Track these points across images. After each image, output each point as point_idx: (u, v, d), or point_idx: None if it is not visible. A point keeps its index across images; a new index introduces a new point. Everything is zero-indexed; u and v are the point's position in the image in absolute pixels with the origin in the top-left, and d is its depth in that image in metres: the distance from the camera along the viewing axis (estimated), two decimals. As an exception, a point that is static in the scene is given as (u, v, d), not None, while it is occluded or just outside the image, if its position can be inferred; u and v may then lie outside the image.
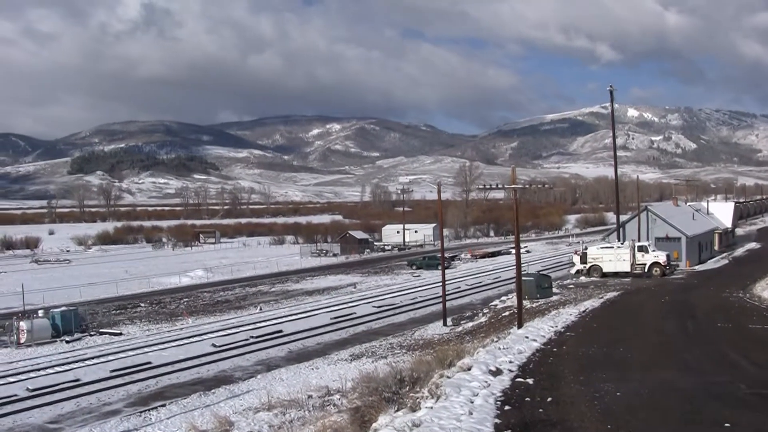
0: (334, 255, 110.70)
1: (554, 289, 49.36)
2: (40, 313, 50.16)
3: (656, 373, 19.51)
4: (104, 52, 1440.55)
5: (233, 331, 48.97)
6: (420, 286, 69.58)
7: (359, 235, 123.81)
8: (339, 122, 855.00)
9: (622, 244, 58.75)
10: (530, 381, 18.26)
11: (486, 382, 17.50)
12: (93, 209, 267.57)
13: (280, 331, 48.48)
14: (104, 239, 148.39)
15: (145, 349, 43.45)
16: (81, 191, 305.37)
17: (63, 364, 40.00)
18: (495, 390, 16.90)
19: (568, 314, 33.38)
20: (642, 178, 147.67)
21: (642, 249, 56.94)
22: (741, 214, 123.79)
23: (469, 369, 18.61)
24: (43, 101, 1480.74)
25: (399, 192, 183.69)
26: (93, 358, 41.58)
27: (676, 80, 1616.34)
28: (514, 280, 39.08)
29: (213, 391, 34.07)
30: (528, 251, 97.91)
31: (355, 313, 55.33)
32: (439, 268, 57.34)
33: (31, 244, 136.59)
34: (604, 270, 56.85)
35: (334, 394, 26.63)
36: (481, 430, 13.50)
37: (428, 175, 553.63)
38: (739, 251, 78.12)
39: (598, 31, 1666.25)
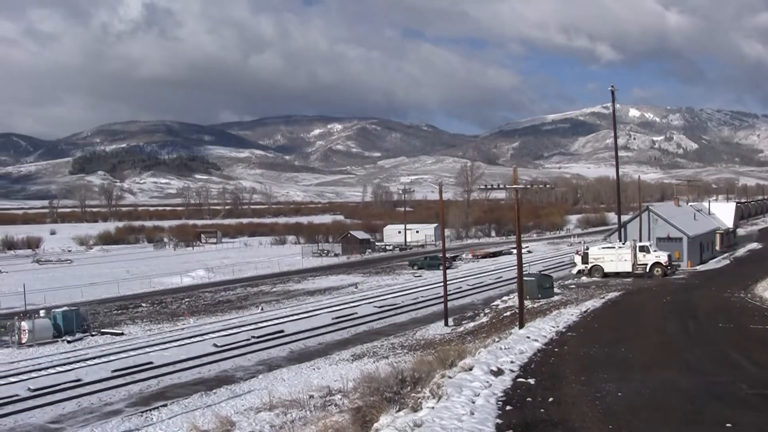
0: (336, 255, 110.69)
1: (556, 289, 49.30)
2: (42, 313, 50.17)
3: (658, 373, 19.50)
4: (105, 52, 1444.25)
5: (235, 331, 48.97)
6: (421, 286, 69.56)
7: (361, 235, 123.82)
8: (340, 122, 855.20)
9: (623, 244, 58.69)
10: (532, 381, 18.27)
11: (487, 382, 17.51)
12: (94, 209, 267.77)
13: (282, 331, 48.47)
14: (106, 239, 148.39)
15: (147, 349, 43.45)
16: (82, 191, 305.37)
17: (64, 364, 40.01)
18: (496, 390, 16.91)
19: (570, 314, 33.36)
20: (643, 179, 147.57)
21: (643, 249, 56.88)
22: (742, 215, 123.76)
23: (471, 369, 18.61)
24: (45, 101, 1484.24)
25: (400, 192, 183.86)
26: (94, 358, 41.58)
27: (677, 80, 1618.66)
28: (515, 280, 39.07)
29: (214, 391, 34.06)
30: (529, 251, 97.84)
31: (356, 313, 55.31)
32: (441, 268, 57.32)
33: (33, 244, 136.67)
34: (606, 270, 56.81)
35: (336, 394, 26.63)
36: (483, 430, 13.50)
37: (430, 176, 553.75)
38: (741, 251, 78.06)
39: (598, 31, 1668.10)
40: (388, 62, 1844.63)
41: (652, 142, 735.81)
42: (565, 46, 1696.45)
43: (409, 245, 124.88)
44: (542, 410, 15.34)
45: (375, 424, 14.61)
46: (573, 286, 52.89)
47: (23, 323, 46.88)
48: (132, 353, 42.36)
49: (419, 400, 15.82)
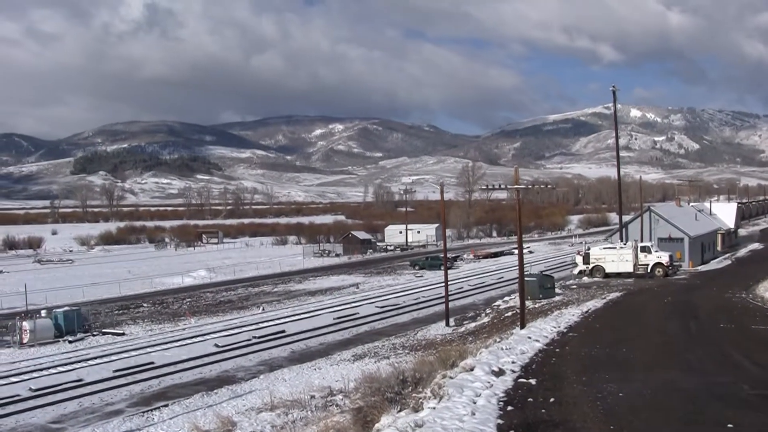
0: (337, 255, 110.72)
1: (557, 290, 49.26)
2: (43, 313, 50.18)
3: (659, 373, 19.48)
4: (107, 53, 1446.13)
5: (236, 331, 49.00)
6: (423, 287, 69.56)
7: (362, 235, 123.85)
8: (342, 122, 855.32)
9: (624, 244, 58.61)
10: (533, 381, 18.25)
11: (489, 382, 17.50)
12: (96, 209, 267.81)
13: (283, 332, 48.49)
14: (107, 239, 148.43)
15: (148, 349, 43.49)
16: (84, 191, 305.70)
17: (66, 364, 40.05)
18: (498, 390, 16.90)
19: (571, 315, 33.33)
20: (645, 179, 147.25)
21: (645, 249, 56.82)
22: (744, 215, 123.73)
23: (472, 369, 18.60)
24: (46, 101, 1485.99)
25: (402, 192, 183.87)
26: (96, 358, 41.62)
27: (678, 80, 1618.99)
28: (516, 280, 39.10)
29: (215, 391, 34.09)
30: (531, 252, 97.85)
31: (357, 313, 55.33)
32: (442, 268, 57.35)
33: (34, 244, 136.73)
34: (607, 270, 56.76)
35: (337, 395, 26.62)
36: (484, 430, 13.50)
37: (431, 176, 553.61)
38: (742, 252, 78.01)
39: (600, 32, 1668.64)
40: (390, 62, 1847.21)
41: (654, 142, 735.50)
42: (566, 46, 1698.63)
43: (411, 245, 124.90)
44: (543, 410, 15.34)
45: (376, 425, 14.60)
46: (574, 286, 52.86)
47: (24, 323, 46.90)
48: (133, 353, 42.40)
49: (420, 400, 15.82)
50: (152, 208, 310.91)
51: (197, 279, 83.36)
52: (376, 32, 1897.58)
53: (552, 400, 16.26)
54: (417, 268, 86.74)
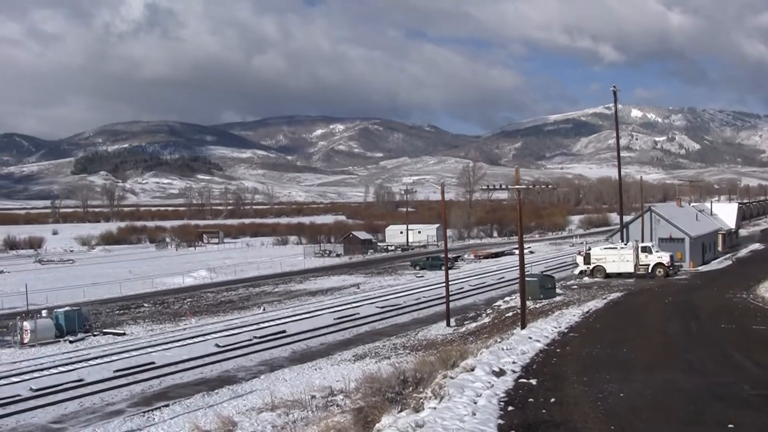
0: (338, 255, 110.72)
1: (558, 290, 49.28)
2: (44, 313, 50.18)
3: (660, 373, 19.48)
4: (108, 53, 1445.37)
5: (236, 331, 49.01)
6: (423, 287, 69.56)
7: (363, 235, 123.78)
8: (342, 123, 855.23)
9: (625, 244, 58.63)
10: (533, 382, 18.25)
11: (489, 382, 17.50)
12: (96, 209, 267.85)
13: (284, 332, 48.50)
14: (108, 239, 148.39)
15: (149, 350, 43.50)
16: (84, 191, 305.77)
17: (66, 364, 40.06)
18: (498, 391, 16.89)
19: (572, 315, 33.34)
20: (645, 179, 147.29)
21: (645, 250, 56.85)
22: (744, 215, 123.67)
23: (473, 370, 18.60)
24: (47, 101, 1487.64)
25: (402, 192, 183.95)
26: (96, 358, 41.63)
27: (679, 81, 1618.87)
28: (517, 280, 39.10)
29: (216, 391, 34.10)
30: (531, 252, 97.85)
31: (358, 313, 55.34)
32: (443, 268, 57.35)
33: (35, 244, 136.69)
34: (608, 271, 56.77)
35: (338, 395, 26.62)
36: (485, 430, 13.49)
37: (432, 176, 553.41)
38: (743, 252, 78.01)
39: (601, 32, 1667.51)
40: (391, 62, 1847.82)
41: (655, 142, 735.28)
42: (567, 46, 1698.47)
43: (411, 246, 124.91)
44: (544, 411, 15.33)
45: (377, 425, 14.61)
46: (575, 286, 52.89)
47: (25, 323, 46.91)
48: (134, 353, 42.41)
49: (421, 400, 15.82)
50: (153, 208, 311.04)
51: (198, 279, 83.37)
52: (377, 32, 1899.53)
53: (553, 400, 16.26)
54: (418, 268, 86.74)
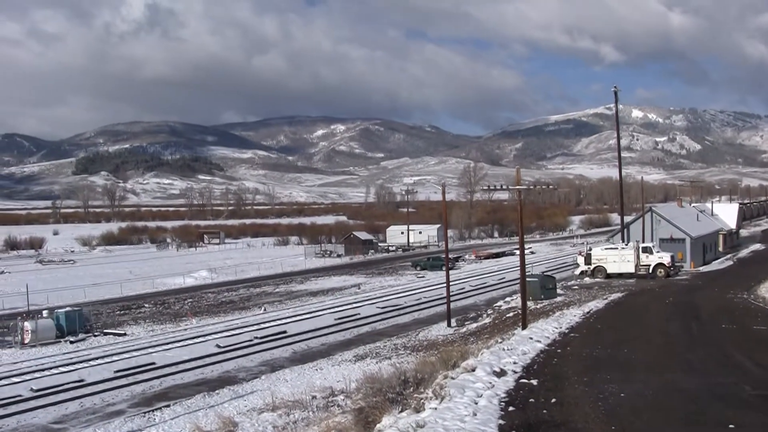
0: (339, 256, 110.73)
1: (558, 290, 49.28)
2: (45, 313, 50.18)
3: (660, 374, 19.49)
4: (109, 53, 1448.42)
5: (237, 331, 48.99)
6: (424, 287, 69.56)
7: (363, 235, 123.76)
8: (343, 123, 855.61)
9: (626, 245, 58.63)
10: (534, 382, 18.25)
11: (490, 383, 17.50)
12: (97, 210, 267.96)
13: (285, 332, 48.49)
14: (108, 240, 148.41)
15: (149, 350, 43.48)
16: (85, 192, 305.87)
17: (67, 365, 40.06)
18: (499, 391, 16.90)
19: (573, 315, 33.33)
20: (646, 179, 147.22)
21: (646, 250, 56.81)
22: (745, 216, 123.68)
23: (474, 370, 18.60)
24: (48, 102, 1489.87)
25: (403, 193, 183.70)
26: (97, 358, 41.61)
27: (680, 81, 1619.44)
28: (518, 281, 39.07)
29: (217, 391, 34.11)
30: (532, 252, 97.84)
31: (359, 313, 55.33)
32: (443, 269, 57.31)
33: (36, 244, 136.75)
34: (609, 271, 56.75)
35: (338, 395, 26.62)
36: (485, 431, 13.50)
37: (433, 176, 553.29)
38: (744, 252, 77.98)
39: (602, 32, 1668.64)
40: (392, 63, 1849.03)
41: (655, 142, 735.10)
42: (568, 47, 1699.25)
43: (412, 246, 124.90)
44: (545, 411, 15.34)
45: (377, 425, 14.61)
46: (576, 287, 52.88)
47: (26, 323, 46.91)
48: (135, 354, 42.40)
49: (422, 400, 15.82)
50: (154, 209, 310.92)
51: (199, 279, 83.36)
52: (377, 32, 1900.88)
53: (553, 400, 16.26)
54: (418, 268, 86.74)
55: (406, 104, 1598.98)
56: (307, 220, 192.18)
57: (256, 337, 46.93)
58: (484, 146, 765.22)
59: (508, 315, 44.32)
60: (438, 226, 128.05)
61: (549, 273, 62.03)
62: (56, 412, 31.73)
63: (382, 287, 72.13)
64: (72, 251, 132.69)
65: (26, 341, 46.21)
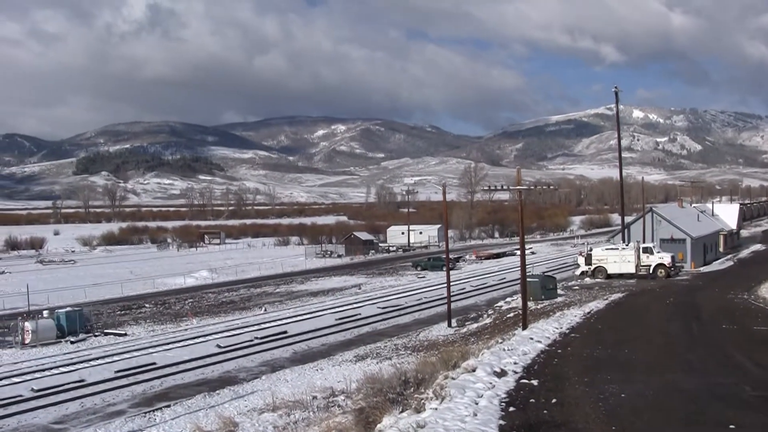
0: (339, 256, 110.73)
1: (559, 291, 49.29)
2: (45, 313, 50.19)
3: (661, 374, 19.49)
4: (109, 53, 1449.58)
5: (238, 332, 48.98)
6: (425, 287, 69.55)
7: (364, 236, 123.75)
8: (344, 123, 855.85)
9: (626, 245, 58.63)
10: (535, 382, 18.26)
11: (490, 383, 17.50)
12: (98, 210, 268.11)
13: (285, 332, 48.49)
14: (109, 240, 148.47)
15: (150, 350, 43.48)
16: (86, 192, 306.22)
17: (68, 365, 40.06)
18: (499, 391, 16.90)
19: (573, 316, 33.34)
20: (647, 180, 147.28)
21: (647, 250, 56.81)
22: (746, 216, 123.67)
23: (474, 370, 18.60)
24: (49, 102, 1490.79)
25: (404, 193, 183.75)
26: (98, 358, 41.61)
27: (681, 81, 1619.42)
28: (518, 281, 39.06)
29: (217, 391, 34.10)
30: (533, 252, 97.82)
31: (359, 314, 55.32)
32: (444, 269, 57.29)
33: (36, 244, 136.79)
34: (609, 271, 56.75)
35: (339, 395, 26.63)
36: (486, 431, 13.50)
37: (433, 176, 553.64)
38: (744, 253, 77.97)
39: (602, 32, 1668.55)
40: (392, 63, 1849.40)
41: (656, 143, 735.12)
42: (569, 47, 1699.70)
43: (413, 246, 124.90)
44: (545, 411, 15.34)
45: (378, 425, 14.61)
46: (576, 287, 52.87)
47: (26, 324, 46.92)
48: (135, 354, 42.40)
49: (422, 401, 15.82)
50: (154, 209, 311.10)
51: (199, 279, 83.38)
52: (377, 32, 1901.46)
53: (554, 400, 16.27)
54: (419, 268, 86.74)
55: (407, 104, 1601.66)
56: (307, 221, 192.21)
57: (257, 338, 46.93)
58: (485, 146, 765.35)
59: (508, 315, 44.32)
60: (438, 226, 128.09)
61: (549, 273, 62.01)
62: (57, 413, 31.73)
63: (383, 287, 72.12)
64: (72, 251, 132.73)
65: (27, 341, 46.21)
